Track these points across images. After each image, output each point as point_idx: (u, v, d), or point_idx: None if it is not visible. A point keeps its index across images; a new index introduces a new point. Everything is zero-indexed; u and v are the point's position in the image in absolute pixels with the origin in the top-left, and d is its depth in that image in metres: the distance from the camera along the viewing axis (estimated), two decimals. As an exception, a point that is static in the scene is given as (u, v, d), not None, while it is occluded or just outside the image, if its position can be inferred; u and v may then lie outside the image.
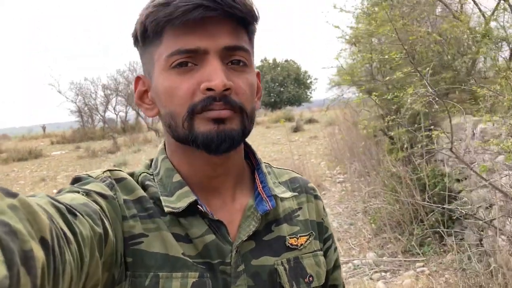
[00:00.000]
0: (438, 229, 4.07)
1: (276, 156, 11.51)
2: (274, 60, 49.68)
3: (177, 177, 0.74)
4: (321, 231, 0.86)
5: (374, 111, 6.33)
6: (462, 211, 2.73)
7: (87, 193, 0.63)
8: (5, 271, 0.33)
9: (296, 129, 17.60)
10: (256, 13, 0.70)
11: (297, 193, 0.85)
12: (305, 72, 45.12)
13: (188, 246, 0.70)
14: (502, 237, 2.81)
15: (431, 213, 4.43)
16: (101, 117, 27.86)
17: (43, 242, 0.40)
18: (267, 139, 16.30)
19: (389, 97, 3.90)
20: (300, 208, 0.84)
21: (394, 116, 4.58)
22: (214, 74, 0.65)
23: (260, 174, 0.81)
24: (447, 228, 4.16)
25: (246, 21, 0.70)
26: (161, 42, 0.68)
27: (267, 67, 48.93)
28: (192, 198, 0.71)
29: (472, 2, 6.30)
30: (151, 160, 0.81)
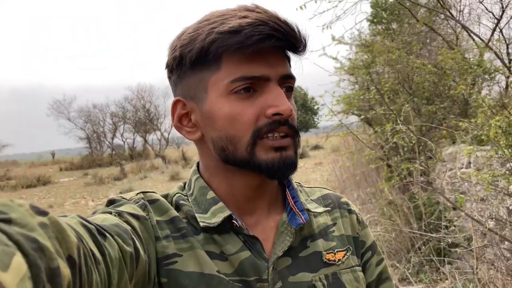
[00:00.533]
0: (431, 258, 4.13)
1: (281, 183, 11.55)
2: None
3: (211, 194, 0.75)
4: (357, 245, 0.85)
5: (373, 139, 6.45)
6: (448, 240, 2.80)
7: (119, 214, 0.64)
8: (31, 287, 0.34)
9: (301, 156, 17.71)
10: (307, 44, 0.72)
11: (329, 208, 0.85)
12: (312, 98, 45.52)
13: (224, 264, 0.70)
14: (495, 264, 2.88)
15: (429, 241, 4.49)
16: (109, 144, 28.20)
17: (70, 260, 0.40)
18: (273, 166, 16.36)
19: (370, 133, 4.00)
20: (334, 224, 0.84)
21: (387, 145, 4.69)
22: (281, 100, 0.68)
23: (292, 190, 0.81)
24: (444, 256, 4.21)
25: (296, 51, 0.73)
26: (219, 68, 0.69)
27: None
28: (227, 212, 0.71)
29: (471, 33, 6.47)
30: (185, 183, 0.82)
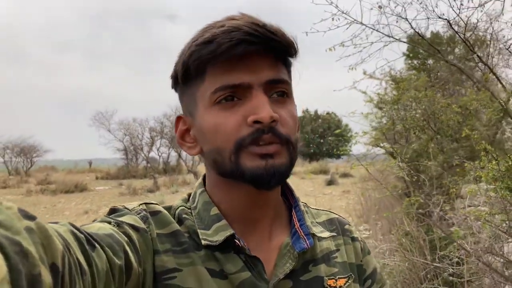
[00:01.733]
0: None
1: (307, 208, 11.81)
2: (316, 112, 50.61)
3: (214, 210, 0.73)
4: (360, 273, 0.84)
5: (397, 171, 6.71)
6: (450, 270, 3.07)
7: (119, 224, 0.63)
8: None
9: (330, 182, 17.89)
10: (296, 46, 0.71)
11: (335, 234, 0.84)
12: (346, 125, 45.52)
13: (223, 282, 0.68)
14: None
15: (441, 273, 4.70)
16: (145, 157, 29.14)
17: (53, 268, 0.39)
18: (300, 190, 16.66)
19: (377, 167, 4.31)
20: (338, 250, 0.82)
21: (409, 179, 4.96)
22: (260, 107, 0.65)
23: (298, 212, 0.79)
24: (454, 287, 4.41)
25: (286, 54, 0.71)
26: (204, 80, 0.69)
27: (308, 118, 49.78)
28: (230, 231, 0.70)
29: (498, 77, 6.68)
30: (189, 195, 0.81)
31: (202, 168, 27.44)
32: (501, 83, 6.97)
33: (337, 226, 0.86)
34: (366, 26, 3.59)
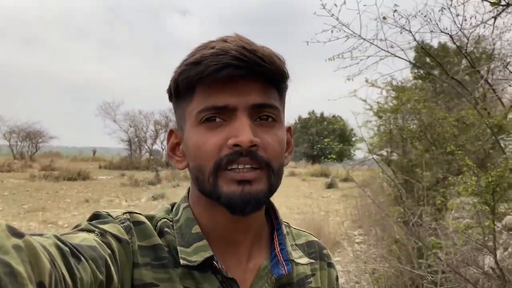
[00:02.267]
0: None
1: (305, 209, 12.01)
2: (322, 114, 50.66)
3: (196, 229, 0.73)
4: None
5: (392, 179, 6.85)
6: (428, 277, 3.22)
7: (102, 234, 0.62)
8: None
9: (330, 186, 18.02)
10: (285, 71, 0.71)
11: (312, 260, 0.83)
12: (351, 129, 45.53)
13: None
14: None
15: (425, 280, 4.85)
16: (148, 149, 29.43)
17: (41, 286, 0.40)
18: (300, 192, 16.81)
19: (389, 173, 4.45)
20: (313, 275, 0.83)
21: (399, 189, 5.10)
22: (241, 130, 0.65)
23: (280, 235, 0.80)
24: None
25: (275, 80, 0.71)
26: (192, 99, 0.70)
27: (314, 120, 49.86)
28: (209, 253, 0.70)
29: (496, 94, 6.80)
30: (172, 205, 0.80)
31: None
32: (499, 99, 7.10)
33: (316, 250, 0.87)
34: (364, 40, 3.73)
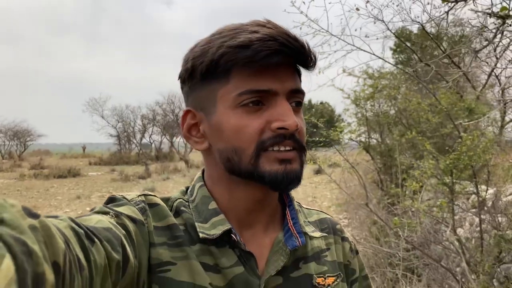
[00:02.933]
0: (406, 274, 4.77)
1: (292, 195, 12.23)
2: (310, 101, 51.07)
3: (213, 205, 0.75)
4: (348, 273, 0.86)
5: (371, 164, 7.14)
6: (399, 254, 3.49)
7: (117, 216, 0.64)
8: None
9: (318, 172, 18.31)
10: (316, 60, 0.73)
11: (326, 235, 0.85)
12: (339, 115, 45.88)
13: (217, 276, 0.70)
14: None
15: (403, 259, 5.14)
16: (137, 143, 29.55)
17: (55, 266, 0.41)
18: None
19: (367, 158, 4.70)
20: (328, 249, 0.84)
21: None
22: (287, 115, 0.68)
23: (292, 211, 0.81)
24: (416, 274, 4.86)
25: (306, 66, 0.73)
26: (229, 81, 0.70)
27: (303, 108, 50.12)
28: (227, 226, 0.71)
29: (469, 81, 7.06)
30: (187, 188, 0.82)
31: (193, 156, 27.81)
32: (471, 84, 7.37)
33: (328, 225, 0.88)
34: (332, 35, 3.94)
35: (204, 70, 0.71)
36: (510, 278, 3.07)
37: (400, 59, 14.58)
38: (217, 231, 0.71)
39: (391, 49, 14.52)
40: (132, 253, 0.61)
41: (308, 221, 0.86)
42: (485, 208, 3.72)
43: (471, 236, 3.58)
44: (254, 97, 0.68)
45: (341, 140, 7.03)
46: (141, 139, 29.52)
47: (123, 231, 0.61)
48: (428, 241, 3.28)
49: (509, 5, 2.44)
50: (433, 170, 3.08)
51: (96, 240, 0.52)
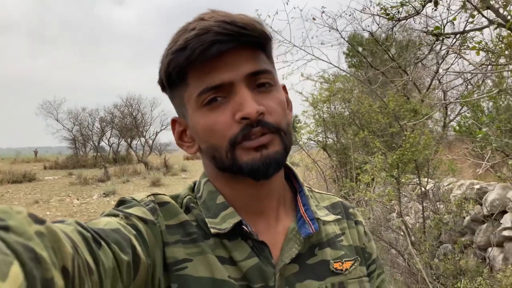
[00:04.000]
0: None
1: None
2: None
3: (220, 199, 0.75)
4: (364, 257, 0.85)
5: (329, 162, 7.69)
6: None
7: (127, 217, 0.64)
8: None
9: (276, 171, 18.83)
10: (268, 33, 0.71)
11: (340, 217, 0.84)
12: (296, 116, 46.77)
13: (233, 269, 0.70)
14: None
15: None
16: (93, 146, 29.15)
17: (64, 271, 0.41)
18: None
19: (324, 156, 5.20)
20: (343, 233, 0.83)
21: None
22: (245, 103, 0.66)
23: (303, 197, 0.81)
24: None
25: (261, 44, 0.71)
26: (188, 85, 0.70)
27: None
28: (237, 218, 0.71)
29: (415, 85, 7.76)
30: (194, 183, 0.82)
31: (152, 158, 27.74)
32: (416, 87, 8.07)
33: (341, 210, 0.87)
34: (294, 46, 4.41)
35: (166, 81, 0.73)
36: (447, 254, 3.63)
37: (353, 62, 15.31)
38: (228, 225, 0.71)
39: (344, 53, 15.22)
40: (144, 253, 0.61)
41: (321, 206, 0.85)
42: (428, 197, 4.30)
43: (416, 221, 4.14)
44: (211, 94, 0.68)
45: (298, 141, 7.54)
46: (98, 142, 29.12)
47: (133, 231, 0.61)
48: (380, 227, 3.79)
49: (441, 25, 2.95)
50: (382, 164, 3.58)
51: (103, 243, 0.52)
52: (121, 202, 0.71)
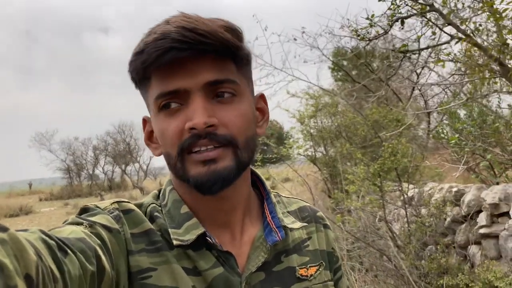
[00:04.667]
0: (354, 264, 5.50)
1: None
2: (258, 120, 52.15)
3: (184, 209, 0.73)
4: (331, 260, 0.85)
5: (320, 175, 7.94)
6: (346, 249, 4.25)
7: (91, 225, 0.62)
8: None
9: (272, 187, 19.05)
10: (235, 42, 0.67)
11: (306, 223, 0.83)
12: (287, 132, 47.16)
13: (198, 279, 0.68)
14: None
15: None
16: (88, 174, 29.26)
17: (28, 279, 0.40)
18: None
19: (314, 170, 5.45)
20: (309, 238, 0.82)
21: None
22: (195, 113, 0.65)
23: (270, 205, 0.80)
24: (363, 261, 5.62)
25: (227, 53, 0.67)
26: (150, 87, 0.69)
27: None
28: (201, 230, 0.69)
29: (397, 95, 8.09)
30: (159, 191, 0.79)
31: (147, 183, 27.81)
32: (398, 97, 8.38)
33: (309, 213, 0.86)
34: (276, 68, 4.70)
35: (132, 80, 0.72)
36: (432, 255, 3.86)
37: (338, 76, 15.67)
38: (191, 236, 0.69)
39: (329, 67, 15.57)
40: (108, 263, 0.59)
41: (288, 211, 0.84)
42: (411, 202, 4.55)
43: (401, 226, 4.37)
44: (167, 99, 0.67)
45: (291, 156, 7.78)
46: (93, 170, 29.26)
47: (98, 241, 0.60)
48: (367, 233, 4.02)
49: (407, 44, 3.24)
50: (365, 174, 3.83)
51: (69, 251, 0.51)
52: (84, 210, 0.69)
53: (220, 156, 0.66)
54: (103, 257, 0.58)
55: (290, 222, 0.80)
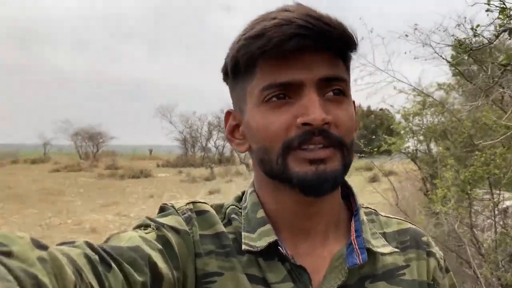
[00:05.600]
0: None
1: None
2: (369, 107, 50.86)
3: (261, 213, 0.69)
4: None
5: (420, 173, 7.91)
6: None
7: (158, 228, 0.62)
8: None
9: (373, 179, 18.85)
10: (355, 40, 0.65)
11: (398, 250, 0.72)
12: (399, 123, 45.37)
13: None
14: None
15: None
16: (202, 147, 31.62)
17: None
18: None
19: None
20: (407, 266, 0.72)
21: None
22: (311, 108, 0.61)
23: (357, 222, 0.71)
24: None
25: (344, 49, 0.66)
26: (254, 76, 0.65)
27: (361, 114, 49.84)
28: (273, 238, 0.65)
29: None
30: (243, 193, 0.77)
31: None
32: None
33: (411, 237, 0.76)
34: (378, 69, 4.89)
35: (232, 68, 0.68)
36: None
37: (458, 71, 14.88)
38: (263, 243, 0.65)
39: (447, 61, 14.81)
40: (169, 268, 0.58)
41: (384, 232, 0.75)
42: (505, 213, 4.52)
43: (489, 236, 4.39)
44: (277, 91, 0.63)
45: (393, 150, 7.82)
46: (206, 144, 31.46)
47: (159, 245, 0.59)
48: (449, 237, 4.14)
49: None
50: (453, 180, 3.94)
51: (113, 264, 0.51)
52: (161, 209, 0.70)
53: (330, 157, 0.62)
54: (160, 264, 0.57)
55: (380, 245, 0.71)
